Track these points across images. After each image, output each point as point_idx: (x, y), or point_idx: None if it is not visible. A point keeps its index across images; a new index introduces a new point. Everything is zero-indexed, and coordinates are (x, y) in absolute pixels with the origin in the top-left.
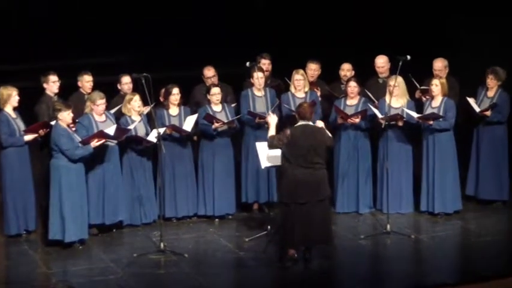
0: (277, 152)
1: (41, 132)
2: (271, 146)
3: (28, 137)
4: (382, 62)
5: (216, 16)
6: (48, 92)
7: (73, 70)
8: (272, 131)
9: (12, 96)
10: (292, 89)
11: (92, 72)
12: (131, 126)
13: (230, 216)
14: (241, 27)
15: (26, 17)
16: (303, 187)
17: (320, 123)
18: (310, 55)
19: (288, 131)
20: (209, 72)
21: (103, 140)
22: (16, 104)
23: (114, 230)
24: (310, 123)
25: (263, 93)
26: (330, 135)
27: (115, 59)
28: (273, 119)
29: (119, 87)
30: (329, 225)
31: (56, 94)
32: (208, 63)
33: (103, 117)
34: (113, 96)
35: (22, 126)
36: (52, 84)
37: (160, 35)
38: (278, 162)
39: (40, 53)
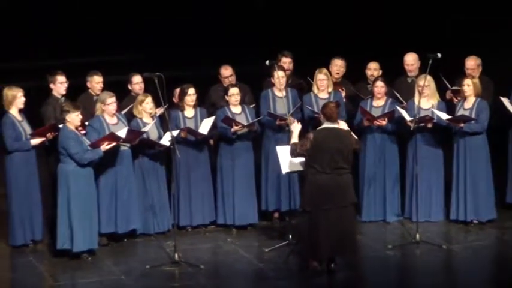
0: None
1: (49, 135)
2: (293, 154)
3: (35, 141)
4: (411, 60)
5: (231, 12)
6: (54, 93)
7: (79, 69)
8: (295, 139)
9: (18, 98)
10: (314, 89)
11: (100, 71)
12: (146, 128)
13: (249, 226)
14: (258, 24)
15: (28, 14)
16: (326, 193)
17: (343, 125)
18: (334, 53)
19: (311, 135)
20: (226, 71)
21: (114, 143)
22: (22, 106)
23: (125, 240)
24: (336, 125)
25: (284, 93)
26: (356, 137)
27: (124, 58)
28: (296, 127)
29: (129, 87)
30: (354, 234)
31: (63, 96)
32: (225, 62)
33: (114, 119)
34: (123, 98)
35: (28, 130)
36: (59, 86)
37: (171, 34)
38: (300, 168)
39: (45, 50)
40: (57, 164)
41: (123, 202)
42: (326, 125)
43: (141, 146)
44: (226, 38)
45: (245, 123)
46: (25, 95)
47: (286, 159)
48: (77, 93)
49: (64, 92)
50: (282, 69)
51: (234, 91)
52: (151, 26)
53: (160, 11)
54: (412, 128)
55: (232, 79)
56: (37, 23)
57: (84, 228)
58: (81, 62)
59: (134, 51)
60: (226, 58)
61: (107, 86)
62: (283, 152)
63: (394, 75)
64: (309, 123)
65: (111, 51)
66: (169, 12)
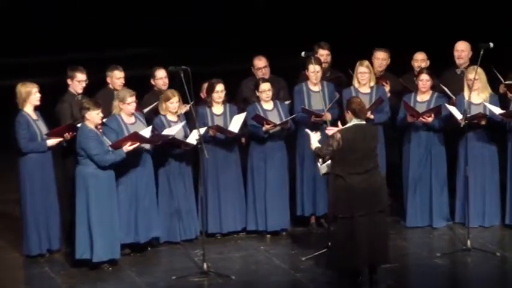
0: None
1: (67, 135)
2: (320, 156)
3: (51, 142)
4: (462, 47)
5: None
6: (71, 89)
7: (99, 63)
8: (315, 144)
9: (32, 94)
10: (355, 83)
11: (120, 64)
12: (173, 131)
13: (284, 232)
14: (295, 13)
15: (46, 4)
16: (360, 197)
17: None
18: (377, 44)
19: (339, 135)
20: (260, 62)
21: (137, 144)
22: (37, 103)
23: (149, 249)
24: (364, 122)
25: (320, 87)
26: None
27: (146, 50)
28: (314, 137)
29: (152, 82)
30: (387, 241)
31: (79, 94)
32: (259, 53)
33: (132, 119)
34: (144, 94)
35: (44, 129)
36: (77, 84)
37: (198, 24)
38: None
39: (61, 43)
40: (75, 167)
41: (144, 209)
42: (354, 122)
43: (165, 145)
44: (279, 25)
45: (277, 121)
46: (40, 91)
47: (325, 161)
48: (95, 89)
49: (81, 91)
50: (319, 61)
51: (265, 87)
52: (175, 15)
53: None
54: (462, 125)
55: (266, 71)
56: (54, 14)
57: (104, 236)
58: (100, 56)
59: (157, 44)
60: (260, 49)
61: (127, 82)
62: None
63: (443, 68)
64: None
65: (133, 43)
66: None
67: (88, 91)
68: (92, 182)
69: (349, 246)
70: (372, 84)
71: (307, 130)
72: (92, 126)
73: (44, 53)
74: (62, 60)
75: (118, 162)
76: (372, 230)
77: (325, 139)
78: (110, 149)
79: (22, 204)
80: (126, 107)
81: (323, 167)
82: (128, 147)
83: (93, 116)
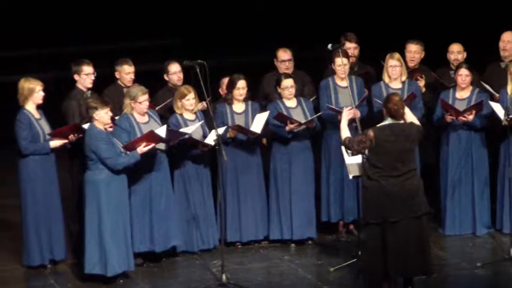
0: None
1: (71, 137)
2: (348, 149)
3: (54, 143)
4: (509, 37)
5: None
6: (79, 85)
7: (107, 56)
8: (345, 131)
9: (36, 92)
10: (385, 78)
11: (131, 58)
12: (190, 130)
13: (310, 241)
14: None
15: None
16: (393, 201)
17: (412, 117)
18: (410, 35)
19: (372, 133)
20: (285, 54)
21: (152, 145)
22: (40, 101)
23: (163, 259)
24: (401, 121)
25: (348, 82)
26: (417, 122)
27: (159, 43)
28: (345, 115)
29: (165, 77)
30: (428, 250)
31: (89, 89)
32: (284, 45)
33: (145, 118)
34: (157, 90)
35: (47, 129)
36: (85, 77)
37: (216, 13)
38: None
39: (67, 35)
40: (83, 171)
41: (160, 214)
42: (389, 121)
43: (182, 146)
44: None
45: (302, 120)
46: (44, 90)
47: (354, 161)
48: (104, 85)
49: (90, 85)
50: (346, 54)
51: (288, 83)
52: (191, 5)
53: None
54: (503, 123)
55: (290, 65)
56: (60, 4)
57: (118, 247)
58: (109, 48)
59: (171, 35)
60: (284, 42)
61: (138, 77)
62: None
63: (484, 61)
64: (379, 118)
65: (145, 35)
66: None
67: (96, 88)
68: (104, 189)
69: (380, 256)
70: (404, 78)
71: (345, 109)
72: (101, 127)
73: (46, 45)
74: (66, 54)
75: (132, 165)
76: (407, 238)
77: (356, 134)
78: (123, 150)
79: (22, 210)
80: (138, 106)
81: (353, 170)
82: (142, 148)
83: (102, 116)
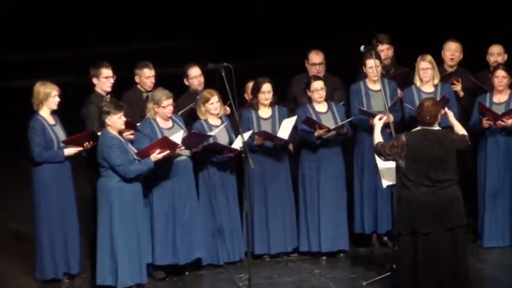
0: None
1: (87, 144)
2: (381, 154)
3: (69, 151)
4: None
5: None
6: (98, 89)
7: (127, 59)
8: (378, 136)
9: (51, 97)
10: (416, 81)
11: (151, 61)
12: (213, 132)
13: (342, 254)
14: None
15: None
16: (425, 212)
17: (450, 116)
18: (449, 35)
19: (404, 137)
20: (317, 56)
21: (167, 151)
22: (55, 107)
23: (187, 273)
24: (435, 127)
25: (380, 86)
26: (462, 131)
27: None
28: (378, 123)
29: (186, 82)
30: (464, 265)
31: (108, 93)
32: (316, 47)
33: (169, 123)
34: (179, 94)
35: (62, 136)
36: (104, 81)
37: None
38: None
39: (83, 37)
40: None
41: (184, 225)
42: (422, 127)
43: (207, 152)
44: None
45: (332, 125)
46: (60, 95)
47: (388, 169)
48: (124, 89)
49: (109, 89)
50: (379, 56)
51: (318, 85)
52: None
53: None
54: None
55: (321, 69)
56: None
57: (130, 257)
58: (130, 50)
59: (193, 37)
60: (315, 44)
61: (159, 81)
62: (384, 163)
63: None
64: (411, 123)
65: (166, 37)
66: None
67: (117, 92)
68: (116, 197)
69: (413, 269)
70: (436, 81)
71: (375, 118)
72: (114, 133)
73: (63, 47)
74: (84, 56)
75: (145, 173)
76: (439, 252)
77: (389, 139)
78: (136, 157)
79: (36, 221)
80: (162, 111)
81: (388, 178)
82: (156, 155)
83: (115, 121)
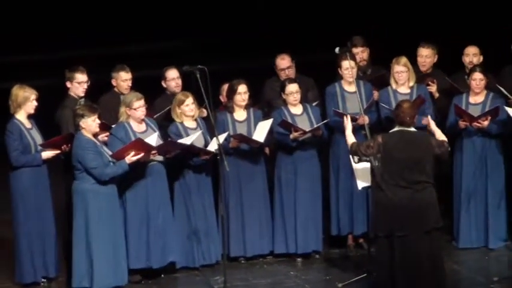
0: None
1: (64, 147)
2: (356, 154)
3: (47, 154)
4: None
5: None
6: (71, 93)
7: (103, 62)
8: (351, 138)
9: (30, 101)
10: (392, 83)
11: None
12: (189, 140)
13: (317, 255)
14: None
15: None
16: (401, 214)
17: (431, 123)
18: (423, 37)
19: (380, 138)
20: (283, 62)
21: (142, 154)
22: (32, 111)
23: (162, 276)
24: (412, 128)
25: (356, 88)
26: (442, 138)
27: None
28: (349, 124)
29: (163, 84)
30: (441, 266)
31: (82, 97)
32: (283, 51)
33: (143, 126)
34: (154, 97)
35: (39, 139)
36: (77, 86)
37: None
38: None
39: (61, 39)
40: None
41: (157, 229)
42: (398, 128)
43: (181, 156)
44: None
45: (307, 128)
46: (37, 99)
47: (363, 171)
48: (101, 92)
49: (82, 94)
50: (354, 57)
51: (293, 88)
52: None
53: None
54: None
55: (291, 72)
56: (55, 7)
57: (107, 259)
58: (106, 53)
59: (177, 39)
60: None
61: (136, 84)
62: (359, 164)
63: (499, 65)
64: (387, 125)
65: (145, 39)
66: None
67: (91, 95)
68: (91, 199)
69: (389, 271)
70: (412, 83)
71: (346, 118)
72: (89, 136)
73: (39, 50)
74: (61, 59)
75: (120, 175)
76: (416, 254)
77: (364, 139)
78: (111, 160)
79: (14, 225)
80: (134, 113)
81: (363, 181)
82: (131, 157)
83: (89, 124)
